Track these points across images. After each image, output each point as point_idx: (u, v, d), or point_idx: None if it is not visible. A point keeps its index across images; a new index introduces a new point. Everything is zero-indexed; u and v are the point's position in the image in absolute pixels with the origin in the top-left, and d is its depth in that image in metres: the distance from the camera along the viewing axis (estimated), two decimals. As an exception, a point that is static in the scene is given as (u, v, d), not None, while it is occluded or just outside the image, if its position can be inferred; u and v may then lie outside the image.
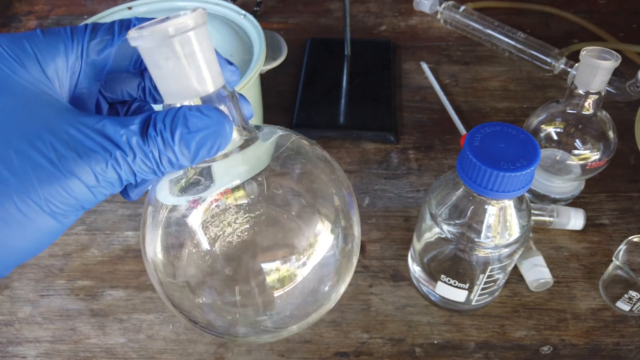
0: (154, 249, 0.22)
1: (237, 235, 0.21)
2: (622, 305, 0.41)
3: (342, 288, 0.25)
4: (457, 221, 0.35)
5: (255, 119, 0.52)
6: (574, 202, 0.49)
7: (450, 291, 0.39)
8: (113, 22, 0.21)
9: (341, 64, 0.63)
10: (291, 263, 0.22)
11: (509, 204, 0.33)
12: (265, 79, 0.53)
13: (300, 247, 0.22)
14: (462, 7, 0.68)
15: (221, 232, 0.21)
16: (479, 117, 0.58)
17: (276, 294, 0.22)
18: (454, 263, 0.37)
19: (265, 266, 0.21)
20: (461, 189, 0.34)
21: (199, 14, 0.18)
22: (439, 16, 0.70)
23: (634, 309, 0.40)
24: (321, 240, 0.22)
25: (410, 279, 0.43)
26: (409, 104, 0.60)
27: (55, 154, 0.17)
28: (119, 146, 0.18)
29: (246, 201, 0.21)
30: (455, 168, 0.33)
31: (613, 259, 0.40)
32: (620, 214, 0.48)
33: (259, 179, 0.22)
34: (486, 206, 0.33)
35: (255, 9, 0.72)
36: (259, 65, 0.46)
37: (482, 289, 0.38)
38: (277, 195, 0.22)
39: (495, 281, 0.37)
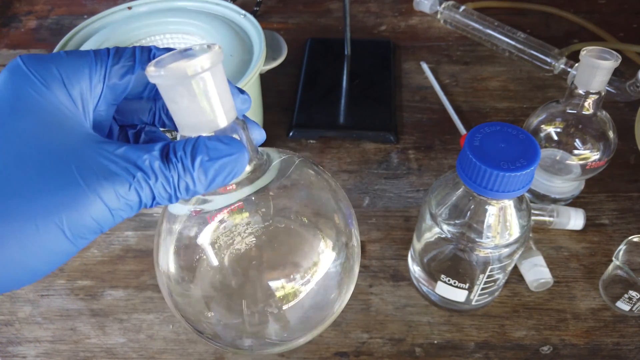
0: (167, 260, 0.23)
1: (245, 253, 0.22)
2: (622, 305, 0.41)
3: (346, 299, 0.26)
4: (457, 221, 0.35)
5: (256, 119, 0.52)
6: (574, 202, 0.49)
7: (450, 291, 0.39)
8: (134, 48, 0.21)
9: (341, 64, 0.63)
10: (296, 281, 0.22)
11: (509, 204, 0.33)
12: (265, 79, 0.53)
13: (305, 265, 0.23)
14: (462, 7, 0.68)
15: (230, 250, 0.22)
16: (479, 117, 0.58)
17: (282, 309, 0.23)
18: (454, 263, 0.37)
19: (272, 284, 0.22)
20: (461, 189, 0.34)
21: (215, 53, 0.18)
22: (439, 16, 0.70)
23: (634, 308, 0.40)
24: (324, 257, 0.23)
25: (410, 278, 0.43)
26: (409, 104, 0.60)
27: (79, 175, 0.18)
28: (142, 169, 0.18)
29: (253, 221, 0.22)
30: (455, 168, 0.33)
31: (613, 259, 0.40)
32: (620, 213, 0.48)
33: (265, 199, 0.23)
34: (486, 206, 0.33)
35: (255, 8, 0.72)
36: (259, 65, 0.46)
37: (482, 288, 0.38)
38: (282, 215, 0.23)
39: (495, 281, 0.37)
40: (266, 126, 0.56)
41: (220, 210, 0.22)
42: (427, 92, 0.61)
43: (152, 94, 0.23)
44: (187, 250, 0.23)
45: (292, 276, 0.22)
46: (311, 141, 0.56)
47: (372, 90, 0.60)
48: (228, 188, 0.22)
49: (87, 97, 0.20)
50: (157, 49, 0.22)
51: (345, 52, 0.64)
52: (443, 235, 0.35)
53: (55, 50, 0.47)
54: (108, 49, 0.21)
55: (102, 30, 0.50)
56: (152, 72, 0.18)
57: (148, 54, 0.21)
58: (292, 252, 0.23)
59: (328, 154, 0.54)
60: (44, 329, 0.42)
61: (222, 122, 0.20)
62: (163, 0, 0.53)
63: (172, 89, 0.19)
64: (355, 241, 0.26)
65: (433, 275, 0.39)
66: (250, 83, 0.45)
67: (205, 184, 0.19)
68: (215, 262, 0.22)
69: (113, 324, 0.42)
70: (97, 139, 0.19)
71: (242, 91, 0.22)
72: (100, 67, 0.21)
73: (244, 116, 0.23)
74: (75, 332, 0.41)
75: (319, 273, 0.23)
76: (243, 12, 0.51)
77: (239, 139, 0.21)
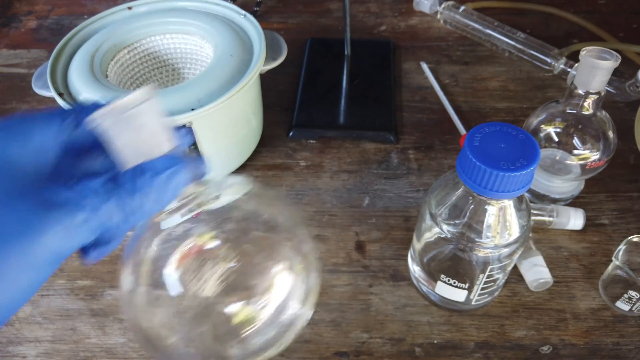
0: (130, 284, 0.24)
1: (207, 280, 0.24)
2: (622, 305, 0.41)
3: (309, 314, 0.27)
4: (456, 221, 0.35)
5: (256, 119, 0.52)
6: (574, 202, 0.49)
7: (450, 291, 0.39)
8: (81, 106, 0.24)
9: (341, 64, 0.63)
10: (257, 304, 0.24)
11: (509, 204, 0.33)
12: (266, 79, 0.53)
13: (264, 288, 0.24)
14: (462, 7, 0.68)
15: (192, 277, 0.23)
16: (479, 117, 0.58)
17: (245, 333, 0.24)
18: (454, 263, 0.37)
19: (234, 308, 0.24)
20: (461, 189, 0.34)
21: (146, 89, 0.21)
22: (438, 16, 0.70)
23: (633, 308, 0.40)
24: (281, 279, 0.25)
25: (410, 278, 0.43)
26: (408, 104, 0.60)
27: (35, 204, 0.19)
28: (93, 192, 0.20)
29: (213, 247, 0.24)
30: (455, 168, 0.33)
31: (613, 258, 0.40)
32: (619, 213, 0.48)
33: (224, 228, 0.24)
34: (486, 206, 0.33)
35: (255, 9, 0.72)
36: (259, 65, 0.46)
37: (482, 288, 0.38)
38: (241, 242, 0.25)
39: (494, 281, 0.37)
40: (266, 126, 0.56)
41: (179, 238, 0.24)
42: (427, 92, 0.61)
43: (100, 142, 0.25)
44: (151, 275, 0.24)
45: (252, 300, 0.24)
46: (311, 141, 0.56)
47: (372, 90, 0.60)
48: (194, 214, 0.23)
49: (45, 149, 0.22)
50: (99, 104, 0.24)
51: (345, 52, 0.64)
52: (443, 235, 0.36)
53: (55, 51, 0.47)
54: (60, 109, 0.23)
55: (102, 31, 0.50)
56: (93, 116, 0.20)
57: (95, 107, 0.23)
58: (250, 276, 0.24)
59: (328, 154, 0.55)
60: (44, 329, 0.42)
61: (162, 149, 0.22)
62: (163, 0, 0.53)
63: (112, 128, 0.20)
64: (311, 261, 0.27)
65: (433, 275, 0.39)
66: (250, 83, 0.45)
67: (154, 200, 0.21)
68: (176, 288, 0.23)
69: (113, 324, 0.42)
70: (51, 179, 0.21)
71: (183, 127, 0.25)
72: (55, 123, 0.23)
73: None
74: (75, 332, 0.41)
75: (279, 295, 0.25)
76: (243, 12, 0.51)
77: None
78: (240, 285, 0.24)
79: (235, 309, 0.24)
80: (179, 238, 0.24)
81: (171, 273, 0.24)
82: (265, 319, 0.24)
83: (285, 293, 0.25)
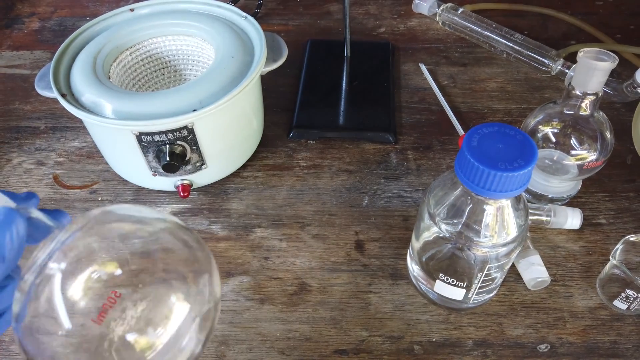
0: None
1: (106, 311, 0.24)
2: (619, 304, 0.41)
3: (209, 338, 0.28)
4: (455, 220, 0.35)
5: (256, 120, 0.52)
6: (571, 201, 0.49)
7: (449, 290, 0.39)
8: None
9: (341, 66, 0.64)
10: (153, 334, 0.25)
11: (507, 204, 0.33)
12: (266, 80, 0.54)
13: (161, 317, 0.25)
14: (460, 9, 0.68)
15: (91, 307, 0.24)
16: (477, 118, 0.58)
17: (147, 357, 0.25)
18: (452, 262, 0.38)
19: (132, 337, 0.25)
20: (459, 189, 0.34)
21: None
22: (437, 18, 0.70)
23: (630, 307, 0.41)
24: (178, 309, 0.26)
25: (409, 277, 0.44)
26: (407, 104, 0.60)
27: None
28: None
29: (110, 280, 0.25)
30: (453, 168, 0.34)
31: (610, 258, 0.40)
32: (617, 213, 0.48)
33: (120, 260, 0.25)
34: (484, 206, 0.34)
35: (256, 11, 0.73)
36: (260, 66, 0.46)
37: (480, 287, 0.38)
38: (137, 275, 0.26)
39: (492, 280, 0.38)
40: (267, 127, 0.56)
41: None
42: (426, 93, 0.62)
43: None
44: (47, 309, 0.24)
45: (151, 329, 0.25)
46: (311, 142, 0.56)
47: (372, 92, 0.60)
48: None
49: None
50: None
51: (345, 54, 0.64)
52: (441, 235, 0.36)
53: (58, 52, 0.48)
54: None
55: (105, 32, 0.50)
56: None
57: None
58: (149, 307, 0.25)
59: (328, 154, 0.55)
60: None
61: None
62: (165, 2, 0.54)
63: None
64: (215, 287, 0.28)
65: (431, 274, 0.40)
66: (252, 84, 0.46)
67: None
68: (81, 319, 0.24)
69: None
70: None
71: (30, 195, 0.27)
72: None
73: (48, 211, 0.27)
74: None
75: (174, 323, 0.25)
76: (244, 14, 0.52)
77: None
78: (138, 315, 0.25)
79: (134, 337, 0.24)
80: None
81: (71, 304, 0.24)
82: (164, 345, 0.25)
83: (181, 321, 0.26)
